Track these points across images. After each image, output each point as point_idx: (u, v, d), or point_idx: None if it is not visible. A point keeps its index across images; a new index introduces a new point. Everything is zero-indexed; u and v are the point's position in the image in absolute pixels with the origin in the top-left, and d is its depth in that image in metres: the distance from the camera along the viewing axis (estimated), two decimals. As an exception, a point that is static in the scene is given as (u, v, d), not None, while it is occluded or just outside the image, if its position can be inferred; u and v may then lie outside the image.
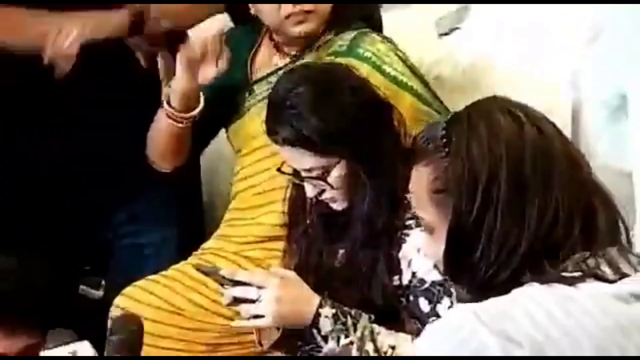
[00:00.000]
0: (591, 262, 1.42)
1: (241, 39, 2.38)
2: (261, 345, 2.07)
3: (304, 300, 1.91)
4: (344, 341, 1.85)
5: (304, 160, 1.97)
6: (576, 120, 2.36)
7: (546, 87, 2.37)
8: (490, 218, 1.44)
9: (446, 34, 2.52)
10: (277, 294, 1.90)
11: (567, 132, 2.33)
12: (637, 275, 1.40)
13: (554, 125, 1.52)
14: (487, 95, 2.40)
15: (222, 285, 2.01)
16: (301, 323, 1.90)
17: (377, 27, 2.34)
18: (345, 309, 1.91)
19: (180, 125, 2.25)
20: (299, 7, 2.21)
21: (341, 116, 1.94)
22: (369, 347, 1.87)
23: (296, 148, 1.96)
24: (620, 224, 1.49)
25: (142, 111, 2.39)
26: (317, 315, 1.88)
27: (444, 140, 1.49)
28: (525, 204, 1.44)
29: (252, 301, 1.94)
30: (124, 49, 2.27)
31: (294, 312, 1.90)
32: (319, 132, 1.93)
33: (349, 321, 1.88)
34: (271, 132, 1.99)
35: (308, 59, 2.28)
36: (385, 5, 2.47)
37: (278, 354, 2.13)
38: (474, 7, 2.50)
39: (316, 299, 1.90)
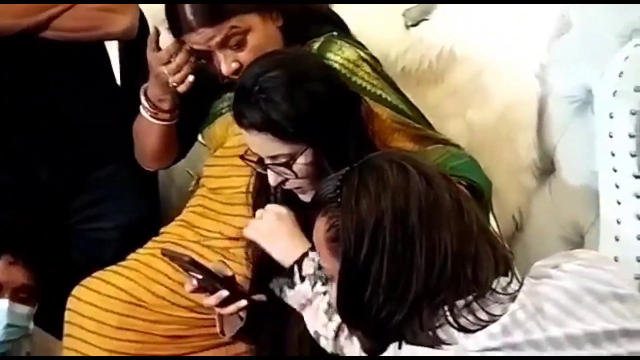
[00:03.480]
0: (464, 311, 1.55)
1: None
2: (223, 334, 2.09)
3: (297, 238, 1.92)
4: (318, 288, 1.86)
5: (269, 147, 1.97)
6: (542, 115, 2.39)
7: (513, 80, 2.40)
8: (376, 265, 1.58)
9: (414, 25, 2.54)
10: (274, 225, 1.95)
11: (533, 126, 2.40)
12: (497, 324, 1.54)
13: (445, 176, 1.67)
14: (452, 88, 2.48)
15: (186, 271, 2.04)
16: (286, 259, 1.92)
17: (343, 26, 2.30)
18: None
19: (167, 123, 2.31)
20: (236, 76, 2.16)
21: (311, 103, 1.94)
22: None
23: (263, 133, 1.96)
24: (506, 264, 1.63)
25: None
26: (305, 254, 1.89)
27: (337, 192, 1.64)
28: (412, 252, 1.58)
29: (213, 291, 1.98)
30: None
31: (285, 244, 1.93)
32: (288, 118, 1.93)
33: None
34: (238, 116, 1.99)
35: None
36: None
37: (241, 344, 2.16)
38: (442, -1, 2.52)
39: (308, 242, 1.91)
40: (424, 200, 1.60)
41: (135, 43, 2.52)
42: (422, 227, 1.59)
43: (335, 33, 2.24)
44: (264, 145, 1.98)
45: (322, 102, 1.95)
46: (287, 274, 1.91)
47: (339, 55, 2.19)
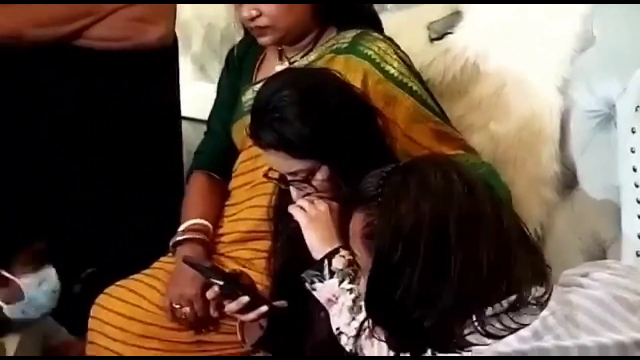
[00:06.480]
0: (492, 320, 1.55)
1: (250, 46, 2.44)
2: (245, 342, 2.12)
3: (334, 234, 1.95)
4: (345, 285, 1.90)
5: (287, 164, 2.01)
6: (564, 129, 2.40)
7: (535, 95, 2.41)
8: (409, 271, 1.56)
9: (438, 38, 2.56)
10: (322, 212, 1.98)
11: (556, 139, 2.41)
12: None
13: (488, 186, 1.65)
14: (475, 100, 2.48)
15: (208, 278, 2.07)
16: (319, 249, 1.95)
17: (379, 28, 2.37)
18: None
19: None
20: (253, 24, 2.26)
21: (324, 120, 1.98)
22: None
23: (280, 152, 2.00)
24: (542, 275, 1.63)
25: None
26: (336, 250, 1.93)
27: (379, 190, 1.62)
28: (447, 262, 1.55)
29: (235, 297, 2.01)
30: None
31: (323, 234, 1.96)
32: (301, 136, 1.96)
33: (359, 274, 1.90)
34: (254, 136, 2.03)
35: (311, 58, 2.33)
36: (377, 7, 2.51)
37: (262, 353, 2.19)
38: (467, 13, 2.53)
39: (340, 242, 1.95)
40: (464, 210, 1.58)
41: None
42: (459, 237, 1.56)
43: (371, 30, 2.31)
44: (281, 162, 2.02)
45: (336, 118, 1.98)
46: (317, 267, 1.94)
47: (372, 43, 2.26)
